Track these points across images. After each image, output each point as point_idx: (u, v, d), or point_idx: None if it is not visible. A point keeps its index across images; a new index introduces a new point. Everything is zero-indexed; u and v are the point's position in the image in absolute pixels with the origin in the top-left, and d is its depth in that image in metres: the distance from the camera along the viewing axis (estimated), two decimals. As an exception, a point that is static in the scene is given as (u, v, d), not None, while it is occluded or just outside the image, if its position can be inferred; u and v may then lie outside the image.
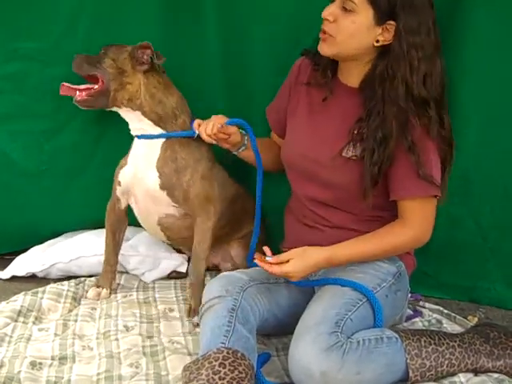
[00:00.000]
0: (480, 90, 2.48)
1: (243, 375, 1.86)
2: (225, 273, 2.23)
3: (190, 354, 2.15)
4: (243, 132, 2.40)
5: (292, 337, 2.02)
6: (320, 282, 2.19)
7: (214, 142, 2.36)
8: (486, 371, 2.10)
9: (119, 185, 2.47)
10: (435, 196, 2.16)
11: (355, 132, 2.16)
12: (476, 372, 2.10)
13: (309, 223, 2.32)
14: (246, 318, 2.02)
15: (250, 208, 2.50)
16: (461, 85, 2.47)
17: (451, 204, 2.52)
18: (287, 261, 2.09)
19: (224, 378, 1.84)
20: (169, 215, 2.45)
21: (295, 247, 2.28)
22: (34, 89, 2.64)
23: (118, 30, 2.58)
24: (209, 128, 2.32)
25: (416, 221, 2.15)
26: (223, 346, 1.91)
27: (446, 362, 2.05)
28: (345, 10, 2.08)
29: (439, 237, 2.59)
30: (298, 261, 2.10)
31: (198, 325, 2.25)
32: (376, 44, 2.11)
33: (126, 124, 2.51)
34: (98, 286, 2.52)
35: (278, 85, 2.45)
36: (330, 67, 2.25)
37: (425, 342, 2.05)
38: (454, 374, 2.08)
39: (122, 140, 2.52)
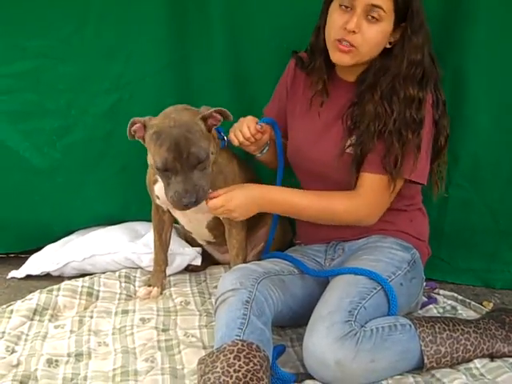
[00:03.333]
0: (491, 77, 2.47)
1: (258, 367, 1.86)
2: (239, 265, 2.24)
3: (205, 348, 2.16)
4: None
5: (306, 327, 2.02)
6: (334, 271, 2.19)
7: (247, 144, 2.28)
8: (502, 356, 2.10)
9: (158, 198, 2.41)
10: (393, 179, 2.14)
11: (348, 120, 2.18)
12: (492, 357, 2.10)
13: None
14: (260, 310, 2.02)
15: None
16: (471, 72, 2.46)
17: (462, 189, 2.57)
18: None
19: (239, 371, 1.84)
20: (215, 217, 2.42)
21: (308, 241, 2.30)
22: (45, 86, 2.66)
23: (127, 27, 2.60)
24: (245, 131, 2.24)
25: (368, 197, 2.16)
26: (238, 338, 1.91)
27: (462, 347, 2.05)
28: (370, 19, 2.06)
29: (452, 221, 2.64)
30: (237, 191, 2.16)
31: None
32: (388, 46, 2.12)
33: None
34: (148, 285, 2.52)
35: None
36: (325, 70, 2.25)
37: (439, 328, 2.05)
38: (469, 360, 2.08)
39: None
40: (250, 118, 2.28)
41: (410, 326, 2.03)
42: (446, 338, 2.04)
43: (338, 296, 2.05)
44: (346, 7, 2.07)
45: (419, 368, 2.04)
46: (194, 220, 2.45)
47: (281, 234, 2.58)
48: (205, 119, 2.15)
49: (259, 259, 2.61)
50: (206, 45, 2.61)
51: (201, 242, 2.68)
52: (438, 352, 2.02)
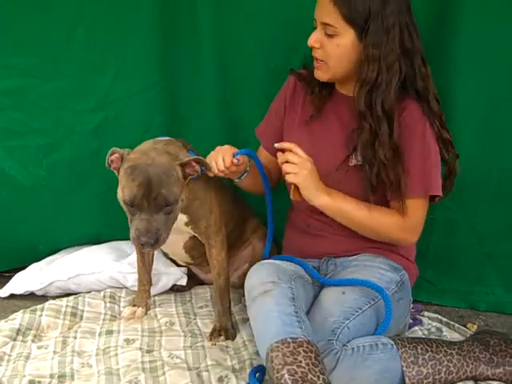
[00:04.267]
0: (476, 100, 2.49)
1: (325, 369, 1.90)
2: (267, 261, 2.24)
3: (189, 369, 2.14)
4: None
5: None
6: (343, 281, 2.18)
7: (222, 175, 2.24)
8: (486, 379, 2.10)
9: None
10: (433, 196, 2.22)
11: (354, 140, 2.20)
12: (475, 380, 2.10)
13: (313, 232, 2.35)
14: (302, 308, 2.03)
15: (247, 212, 2.57)
16: (456, 92, 2.48)
17: (448, 210, 2.58)
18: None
19: (323, 373, 1.87)
20: (192, 237, 2.42)
21: (299, 256, 2.32)
22: (32, 105, 2.65)
23: (114, 45, 2.60)
24: (220, 163, 2.19)
25: (410, 216, 2.20)
26: (305, 336, 1.91)
27: (444, 369, 2.05)
28: (328, 35, 2.13)
29: (437, 242, 2.65)
30: (312, 169, 2.14)
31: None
32: (363, 57, 2.13)
33: (124, 138, 2.53)
34: (133, 306, 2.51)
35: (272, 98, 2.46)
36: (322, 85, 2.29)
37: (421, 349, 2.05)
38: (452, 383, 2.07)
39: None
40: (226, 148, 2.24)
41: (392, 345, 2.04)
42: (429, 359, 2.05)
43: (323, 315, 2.06)
44: (314, 27, 2.19)
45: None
46: (171, 242, 2.43)
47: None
48: (182, 166, 2.12)
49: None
50: (194, 64, 2.62)
51: (180, 263, 2.68)
52: (420, 373, 2.02)
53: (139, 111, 2.68)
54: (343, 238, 2.31)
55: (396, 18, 2.08)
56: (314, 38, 2.17)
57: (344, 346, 1.98)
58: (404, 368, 2.01)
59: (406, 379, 2.01)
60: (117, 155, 2.12)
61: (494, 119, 2.52)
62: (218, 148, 2.24)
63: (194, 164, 2.14)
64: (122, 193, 2.07)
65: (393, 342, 2.05)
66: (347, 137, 2.23)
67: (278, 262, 2.23)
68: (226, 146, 2.24)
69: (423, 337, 2.37)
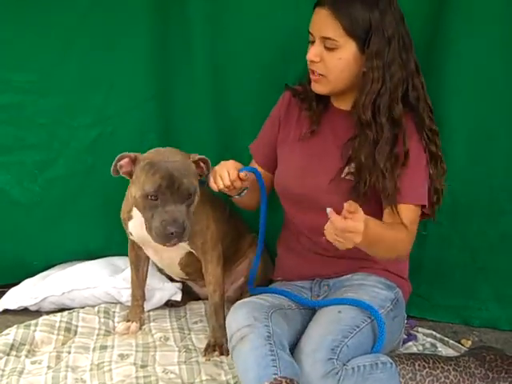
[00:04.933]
0: (465, 114, 2.51)
1: None
2: (244, 300, 2.22)
3: (183, 384, 2.14)
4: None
5: None
6: (330, 301, 2.18)
7: (226, 190, 2.22)
8: None
9: (131, 235, 2.40)
10: (423, 206, 2.22)
11: (348, 151, 2.21)
12: None
13: (304, 252, 2.36)
14: (282, 344, 2.02)
15: (242, 228, 2.58)
16: (448, 107, 2.50)
17: (440, 226, 2.58)
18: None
19: None
20: (188, 253, 2.42)
21: (291, 277, 2.31)
22: (27, 120, 2.65)
23: (109, 61, 2.62)
24: (226, 177, 2.18)
25: (410, 227, 2.20)
26: (278, 375, 1.90)
27: None
28: (328, 48, 2.13)
29: (430, 258, 2.66)
30: (359, 215, 1.94)
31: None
32: (364, 70, 2.15)
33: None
34: (127, 321, 2.51)
35: (266, 111, 2.47)
36: (318, 99, 2.30)
37: (419, 365, 2.06)
38: None
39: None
40: (231, 162, 2.23)
41: (391, 364, 2.03)
42: (426, 375, 2.05)
43: (321, 333, 2.04)
44: (310, 42, 2.19)
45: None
46: (167, 258, 2.44)
47: (263, 270, 2.57)
48: (195, 163, 2.19)
49: (241, 294, 2.62)
50: (189, 79, 2.63)
51: (175, 278, 2.68)
52: None
53: (134, 127, 2.69)
54: (335, 259, 2.30)
55: (395, 28, 2.12)
56: (314, 53, 2.16)
57: (344, 365, 1.96)
58: None
59: None
60: (127, 160, 2.15)
61: (485, 133, 2.54)
62: (223, 162, 2.23)
63: (201, 164, 2.20)
64: (143, 188, 2.10)
65: (392, 361, 2.04)
66: (342, 149, 2.24)
67: (254, 299, 2.20)
68: (231, 161, 2.23)
69: (420, 352, 2.37)
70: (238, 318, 2.08)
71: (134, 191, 2.16)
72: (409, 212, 2.20)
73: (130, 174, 2.17)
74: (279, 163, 2.39)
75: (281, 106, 2.42)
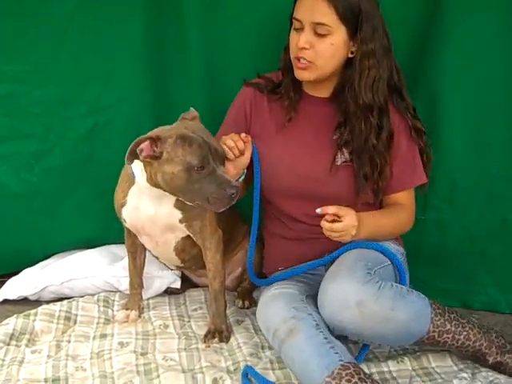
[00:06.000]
0: (465, 102, 2.52)
1: None
2: (272, 293, 2.20)
3: (184, 371, 2.14)
4: None
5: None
6: (346, 248, 2.18)
7: (232, 157, 2.22)
8: (494, 363, 2.15)
9: (125, 221, 2.38)
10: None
11: (337, 139, 2.24)
12: (485, 360, 2.15)
13: (303, 236, 2.35)
14: (328, 329, 2.04)
15: (238, 217, 2.58)
16: (446, 97, 2.51)
17: (439, 211, 2.60)
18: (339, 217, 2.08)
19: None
20: (184, 237, 2.41)
21: (286, 265, 2.31)
22: (22, 110, 2.65)
23: (103, 51, 2.61)
24: (228, 141, 2.21)
25: (410, 206, 2.32)
26: (343, 361, 1.92)
27: (465, 333, 2.10)
28: (318, 34, 2.13)
29: (429, 243, 2.67)
30: (350, 215, 2.09)
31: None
32: (350, 55, 2.19)
33: (115, 143, 2.53)
34: (126, 309, 2.51)
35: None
36: (292, 88, 2.30)
37: (448, 310, 2.12)
38: (467, 350, 2.13)
39: (112, 159, 2.52)
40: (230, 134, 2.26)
41: (424, 297, 2.08)
42: (454, 319, 2.11)
43: (353, 259, 2.09)
44: (298, 29, 2.18)
45: (421, 339, 2.07)
46: (162, 243, 2.42)
47: (259, 260, 2.56)
48: None
49: (238, 284, 2.62)
50: (183, 69, 2.64)
51: (171, 267, 2.67)
52: (444, 326, 2.08)
53: (129, 117, 2.69)
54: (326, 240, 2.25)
55: (377, 11, 2.17)
56: (305, 40, 2.15)
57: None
58: (432, 315, 2.05)
59: (431, 326, 2.05)
60: (147, 142, 2.07)
61: (484, 120, 2.54)
62: (224, 136, 2.25)
63: None
64: (185, 162, 2.05)
65: (424, 295, 2.09)
66: (330, 136, 2.25)
67: (282, 290, 2.19)
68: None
69: None
70: (277, 311, 2.09)
71: (169, 169, 2.07)
72: (406, 194, 2.31)
73: (154, 156, 2.09)
74: (262, 159, 2.33)
75: (244, 102, 2.40)
